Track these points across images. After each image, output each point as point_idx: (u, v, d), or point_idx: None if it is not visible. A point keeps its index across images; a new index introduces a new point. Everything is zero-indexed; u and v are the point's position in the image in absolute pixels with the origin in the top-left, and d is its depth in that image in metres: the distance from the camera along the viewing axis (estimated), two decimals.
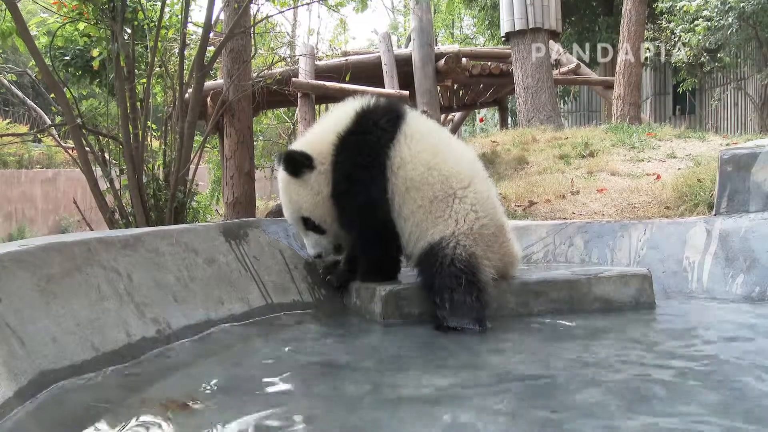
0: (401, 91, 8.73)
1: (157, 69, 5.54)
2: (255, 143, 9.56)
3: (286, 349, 2.14)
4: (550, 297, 2.53)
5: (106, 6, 4.67)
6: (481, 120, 24.01)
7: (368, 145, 2.49)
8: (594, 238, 3.32)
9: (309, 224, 2.62)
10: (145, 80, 5.03)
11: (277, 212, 6.69)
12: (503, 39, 10.43)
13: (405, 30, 24.84)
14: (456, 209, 2.39)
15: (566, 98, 18.83)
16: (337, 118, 2.59)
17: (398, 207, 2.46)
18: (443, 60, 9.18)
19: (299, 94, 8.91)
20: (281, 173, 2.62)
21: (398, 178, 2.44)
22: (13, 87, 10.56)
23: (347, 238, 2.67)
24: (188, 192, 4.90)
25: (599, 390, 1.61)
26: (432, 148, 2.48)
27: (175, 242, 2.42)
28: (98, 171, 4.73)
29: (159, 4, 5.27)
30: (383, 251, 2.60)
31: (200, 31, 5.15)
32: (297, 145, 2.65)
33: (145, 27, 5.60)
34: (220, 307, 2.37)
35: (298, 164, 2.54)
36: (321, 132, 2.62)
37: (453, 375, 1.79)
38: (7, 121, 18.46)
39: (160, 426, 1.45)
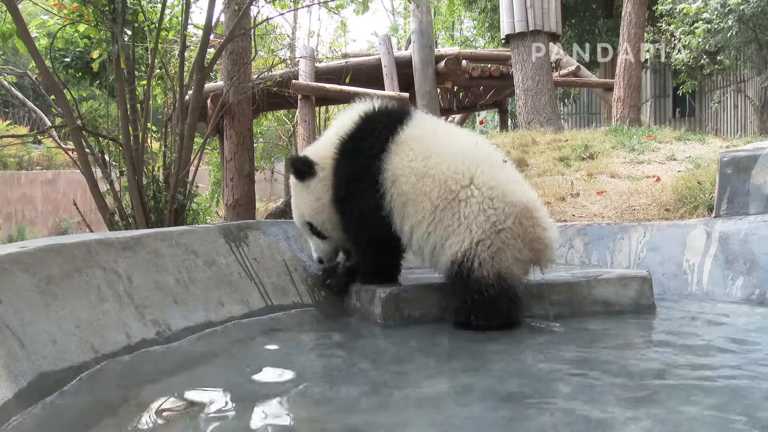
0: (401, 93, 8.75)
1: (158, 71, 5.54)
2: (255, 145, 9.58)
3: (286, 350, 2.14)
4: (551, 300, 2.53)
5: (107, 8, 4.68)
6: (481, 122, 23.99)
7: (361, 153, 2.42)
8: (594, 240, 3.33)
9: (313, 229, 2.62)
10: (145, 82, 5.03)
11: (277, 214, 6.69)
12: (503, 41, 10.42)
13: (405, 32, 24.82)
14: (465, 214, 2.23)
15: (566, 100, 18.82)
16: (343, 122, 2.55)
17: (398, 223, 2.37)
18: (443, 62, 9.20)
19: (299, 96, 8.94)
20: (291, 177, 2.64)
21: (393, 193, 2.34)
22: (13, 88, 10.56)
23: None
24: (188, 194, 4.91)
25: (599, 393, 1.61)
26: (424, 153, 2.32)
27: (175, 244, 2.42)
28: (98, 172, 4.73)
29: (159, 5, 5.27)
30: (382, 258, 2.59)
31: (200, 33, 5.15)
32: (306, 150, 2.66)
33: (146, 29, 5.60)
34: (220, 308, 2.37)
35: (300, 169, 2.55)
36: (328, 136, 2.61)
37: (452, 377, 1.79)
38: (7, 122, 18.46)
39: (159, 428, 1.45)
